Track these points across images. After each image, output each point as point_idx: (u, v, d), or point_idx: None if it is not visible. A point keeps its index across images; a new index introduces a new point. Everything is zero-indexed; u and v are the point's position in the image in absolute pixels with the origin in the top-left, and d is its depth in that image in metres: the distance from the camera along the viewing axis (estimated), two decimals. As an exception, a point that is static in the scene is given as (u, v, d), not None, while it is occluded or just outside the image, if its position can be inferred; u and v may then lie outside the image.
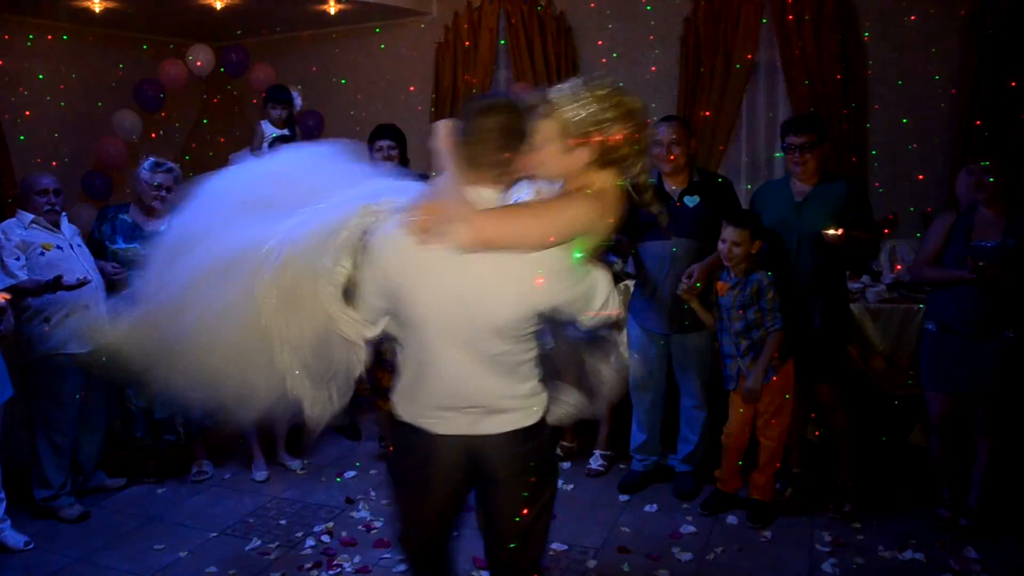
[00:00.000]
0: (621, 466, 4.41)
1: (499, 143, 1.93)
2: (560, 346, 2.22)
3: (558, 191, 2.05)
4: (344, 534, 3.79)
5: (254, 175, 2.36)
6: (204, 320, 2.07)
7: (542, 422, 2.14)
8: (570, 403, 2.24)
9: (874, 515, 3.77)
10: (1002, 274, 3.29)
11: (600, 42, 5.99)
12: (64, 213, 4.23)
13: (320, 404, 2.12)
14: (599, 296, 2.07)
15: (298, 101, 5.80)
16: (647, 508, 3.97)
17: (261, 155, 5.46)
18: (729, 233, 3.61)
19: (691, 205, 3.86)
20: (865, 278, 4.68)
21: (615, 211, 2.01)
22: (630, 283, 4.41)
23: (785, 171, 3.98)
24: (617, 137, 1.95)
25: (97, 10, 5.44)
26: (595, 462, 4.43)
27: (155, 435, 4.38)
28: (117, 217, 4.32)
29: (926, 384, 3.65)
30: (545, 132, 1.95)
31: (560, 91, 1.97)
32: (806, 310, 3.70)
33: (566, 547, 3.60)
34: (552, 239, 1.93)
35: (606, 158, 1.97)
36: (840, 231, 3.50)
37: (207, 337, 2.07)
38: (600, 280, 2.08)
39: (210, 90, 7.04)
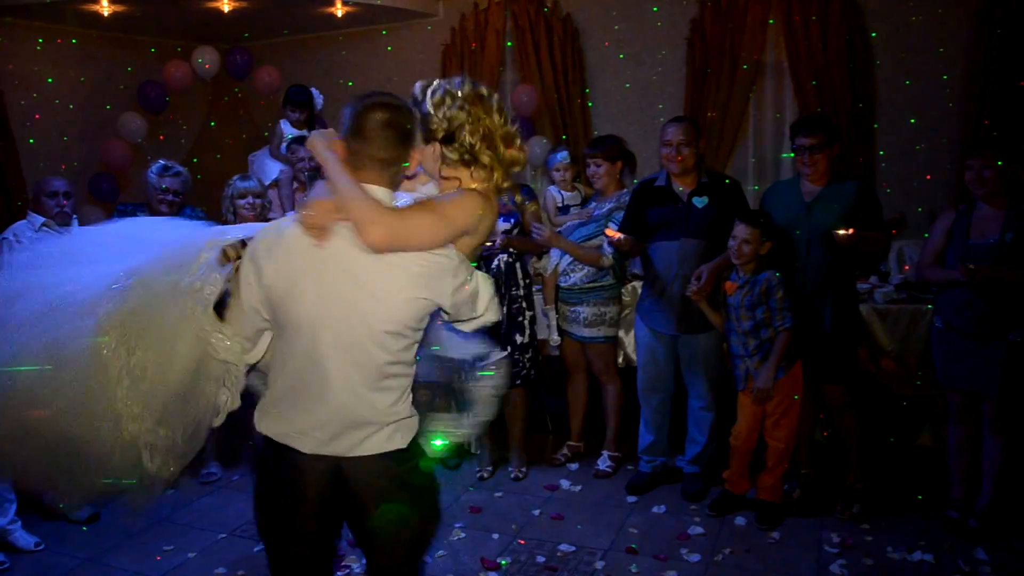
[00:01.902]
0: (629, 467, 4.40)
1: (389, 139, 1.93)
2: (436, 370, 2.19)
3: (435, 191, 2.09)
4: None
5: (81, 238, 2.37)
6: (29, 373, 1.90)
7: (413, 446, 2.05)
8: (461, 430, 2.21)
9: (883, 516, 3.76)
10: (995, 274, 3.29)
11: (607, 43, 5.99)
12: (75, 216, 4.26)
13: (162, 454, 1.96)
14: (483, 299, 2.06)
15: (319, 100, 5.72)
16: (655, 509, 3.96)
17: (280, 155, 5.40)
18: (741, 231, 3.61)
19: (700, 206, 3.86)
20: (873, 278, 4.66)
21: (494, 210, 2.08)
22: (638, 284, 4.41)
23: (793, 171, 3.98)
24: (479, 135, 2.03)
25: (105, 13, 5.45)
26: (603, 463, 4.42)
27: None
28: (135, 213, 4.34)
29: (938, 379, 3.66)
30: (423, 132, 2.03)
31: (430, 91, 2.04)
32: (815, 310, 3.69)
33: (574, 548, 3.60)
34: (452, 237, 1.96)
35: (472, 156, 2.04)
36: (851, 231, 3.49)
37: (35, 391, 1.89)
38: (483, 283, 2.06)
39: (217, 92, 7.06)
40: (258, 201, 4.37)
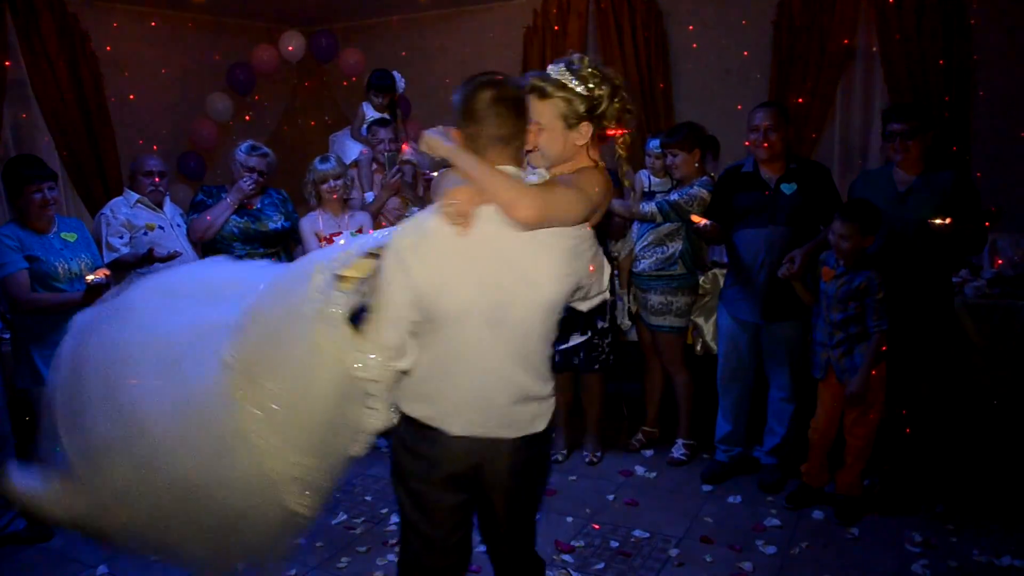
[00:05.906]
0: (704, 456, 4.37)
1: (502, 115, 1.91)
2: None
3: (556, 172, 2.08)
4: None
5: (177, 278, 2.35)
6: (161, 435, 1.95)
7: (549, 428, 2.10)
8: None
9: (970, 518, 3.64)
10: None
11: (691, 27, 5.89)
12: (167, 194, 4.43)
13: (312, 488, 2.00)
14: (605, 275, 2.10)
15: (401, 83, 5.80)
16: (731, 499, 3.92)
17: (360, 136, 5.53)
18: (838, 227, 3.50)
19: (788, 192, 3.78)
20: (964, 272, 4.51)
21: (612, 186, 2.11)
22: (718, 271, 4.35)
23: (881, 160, 3.86)
24: (614, 111, 2.05)
25: (196, -3, 5.64)
26: (677, 451, 4.39)
27: None
28: (219, 196, 4.47)
29: None
30: (548, 113, 2.02)
31: (554, 73, 2.03)
32: (906, 304, 3.59)
33: (648, 535, 3.59)
34: (590, 212, 1.99)
35: (601, 133, 2.06)
36: (948, 220, 3.38)
37: (175, 454, 1.95)
38: (604, 259, 2.12)
39: (302, 74, 7.19)
40: (339, 183, 4.44)
